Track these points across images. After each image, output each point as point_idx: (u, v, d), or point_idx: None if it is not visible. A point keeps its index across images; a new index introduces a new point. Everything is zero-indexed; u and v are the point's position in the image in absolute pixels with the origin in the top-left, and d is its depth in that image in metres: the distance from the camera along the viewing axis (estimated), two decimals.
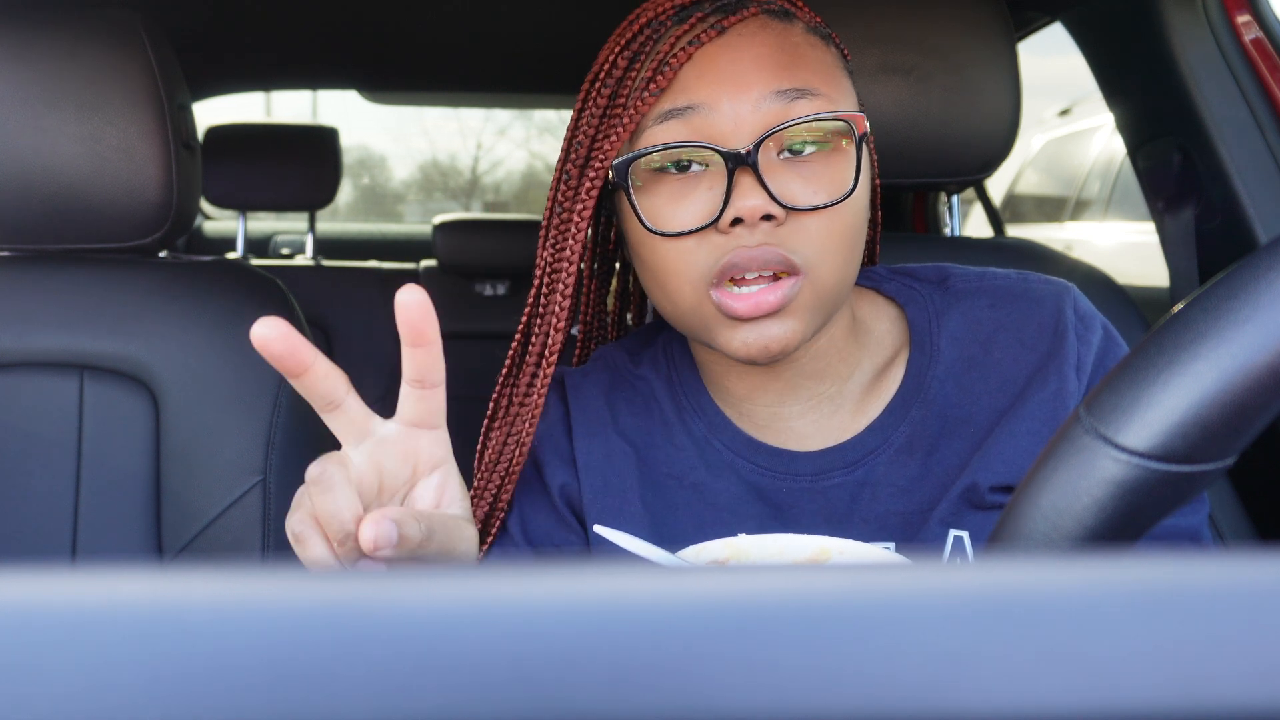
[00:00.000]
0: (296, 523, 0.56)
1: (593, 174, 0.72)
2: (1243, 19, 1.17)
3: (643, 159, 0.69)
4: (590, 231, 0.82)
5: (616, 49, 0.73)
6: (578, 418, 0.79)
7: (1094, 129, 4.32)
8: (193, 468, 1.07)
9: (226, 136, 2.31)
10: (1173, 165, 1.23)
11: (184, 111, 1.14)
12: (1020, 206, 4.98)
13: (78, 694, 0.20)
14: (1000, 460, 0.71)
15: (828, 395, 0.76)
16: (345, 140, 2.51)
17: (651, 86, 0.69)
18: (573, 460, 0.78)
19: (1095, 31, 1.34)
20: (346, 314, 2.20)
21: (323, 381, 0.56)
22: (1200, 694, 0.21)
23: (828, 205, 0.67)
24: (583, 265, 0.82)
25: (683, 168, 0.68)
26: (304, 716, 0.20)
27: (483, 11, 1.74)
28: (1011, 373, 0.74)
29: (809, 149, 0.68)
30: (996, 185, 4.68)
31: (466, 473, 0.68)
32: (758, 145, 0.66)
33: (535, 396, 0.76)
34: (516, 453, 0.76)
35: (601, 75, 0.73)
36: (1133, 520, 0.37)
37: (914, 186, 1.17)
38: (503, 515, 0.78)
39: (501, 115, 13.74)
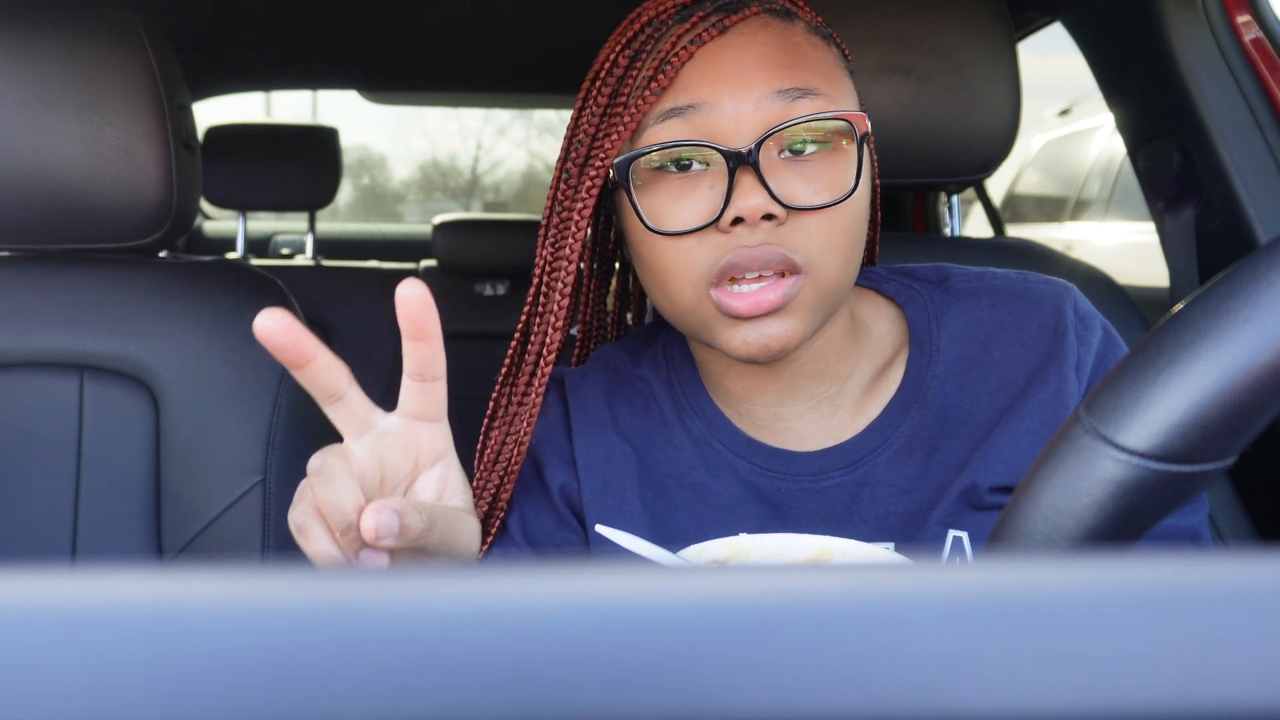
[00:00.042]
0: (299, 514, 0.56)
1: (593, 173, 0.72)
2: (1243, 19, 1.17)
3: (643, 158, 0.69)
4: (590, 231, 0.82)
5: (617, 48, 0.73)
6: (577, 418, 0.79)
7: (1094, 129, 4.32)
8: (193, 468, 1.07)
9: (226, 136, 2.31)
10: (1173, 165, 1.23)
11: (184, 111, 1.14)
12: (1020, 206, 4.98)
13: (78, 694, 0.20)
14: (1000, 460, 0.71)
15: (827, 395, 0.76)
16: (345, 140, 2.51)
17: (653, 85, 0.69)
18: (572, 460, 0.78)
19: (1095, 31, 1.34)
20: (346, 314, 2.20)
21: (325, 374, 0.56)
22: (1200, 694, 0.21)
23: (828, 205, 0.67)
24: (582, 265, 0.82)
25: (683, 167, 0.68)
26: (304, 716, 0.20)
27: (483, 11, 1.74)
28: (1011, 373, 0.74)
29: (810, 148, 0.68)
30: (996, 185, 4.68)
31: (467, 472, 0.68)
32: (759, 145, 0.66)
33: (534, 396, 0.76)
34: (516, 452, 0.77)
35: (602, 74, 0.73)
36: (1133, 520, 0.37)
37: (914, 186, 1.17)
38: (502, 514, 0.78)
39: (501, 115, 13.74)
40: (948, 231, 1.47)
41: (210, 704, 0.20)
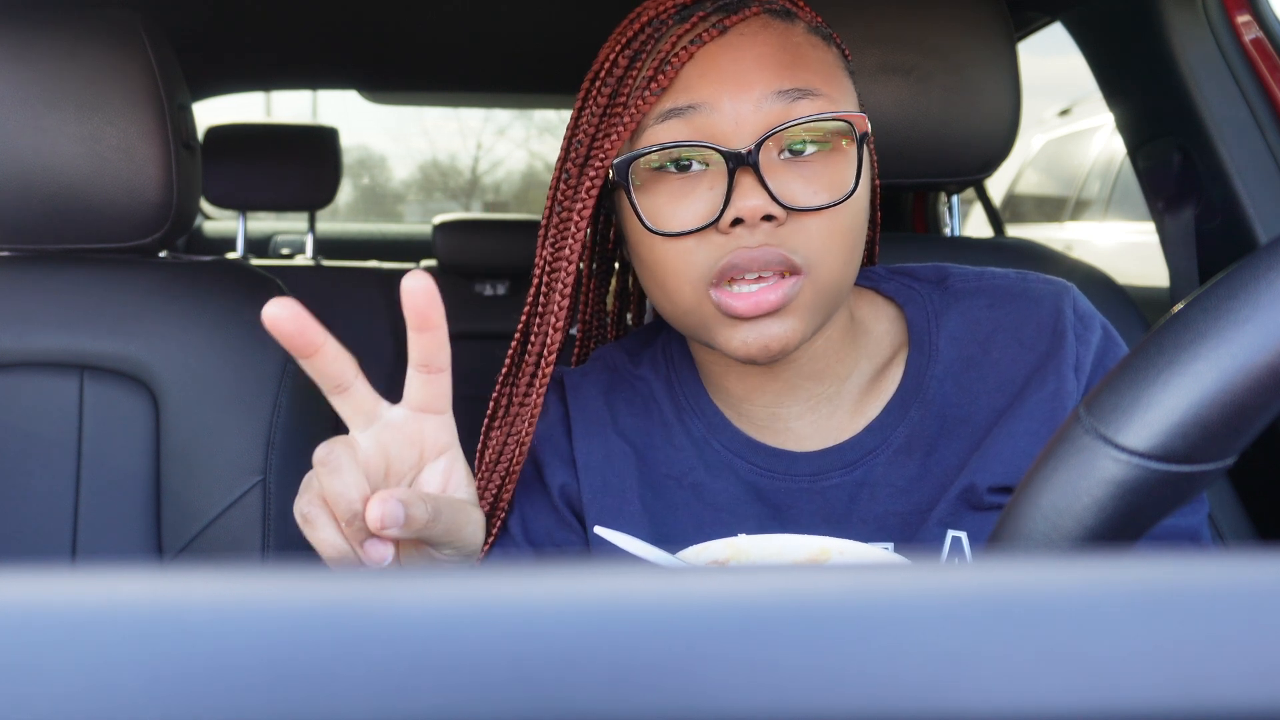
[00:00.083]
0: (305, 504, 0.57)
1: (592, 173, 0.72)
2: (1243, 19, 1.17)
3: (643, 158, 0.69)
4: (590, 231, 0.82)
5: (617, 48, 0.73)
6: (577, 418, 0.79)
7: (1094, 129, 4.32)
8: (193, 468, 1.07)
9: (226, 136, 2.31)
10: (1173, 165, 1.23)
11: (184, 111, 1.14)
12: (1020, 206, 4.98)
13: (78, 694, 0.20)
14: (998, 461, 0.71)
15: (826, 396, 0.76)
16: (345, 140, 2.52)
17: (653, 85, 0.69)
18: (572, 460, 0.78)
19: (1095, 31, 1.34)
20: (346, 314, 2.20)
21: (332, 364, 0.57)
22: (1200, 694, 0.21)
23: (828, 206, 0.67)
24: (582, 265, 0.82)
25: (683, 167, 0.68)
26: (304, 716, 0.20)
27: (483, 11, 1.74)
28: (1010, 372, 0.74)
29: (810, 149, 0.68)
30: (996, 185, 4.68)
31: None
32: (759, 145, 0.66)
33: (535, 396, 0.76)
34: (517, 452, 0.77)
35: (602, 74, 0.73)
36: (1133, 520, 0.37)
37: (914, 186, 1.17)
38: (503, 515, 0.78)
39: (501, 115, 13.74)
40: (948, 231, 1.47)
41: (210, 704, 0.20)
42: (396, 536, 0.55)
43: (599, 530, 0.66)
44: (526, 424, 0.76)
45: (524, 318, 0.79)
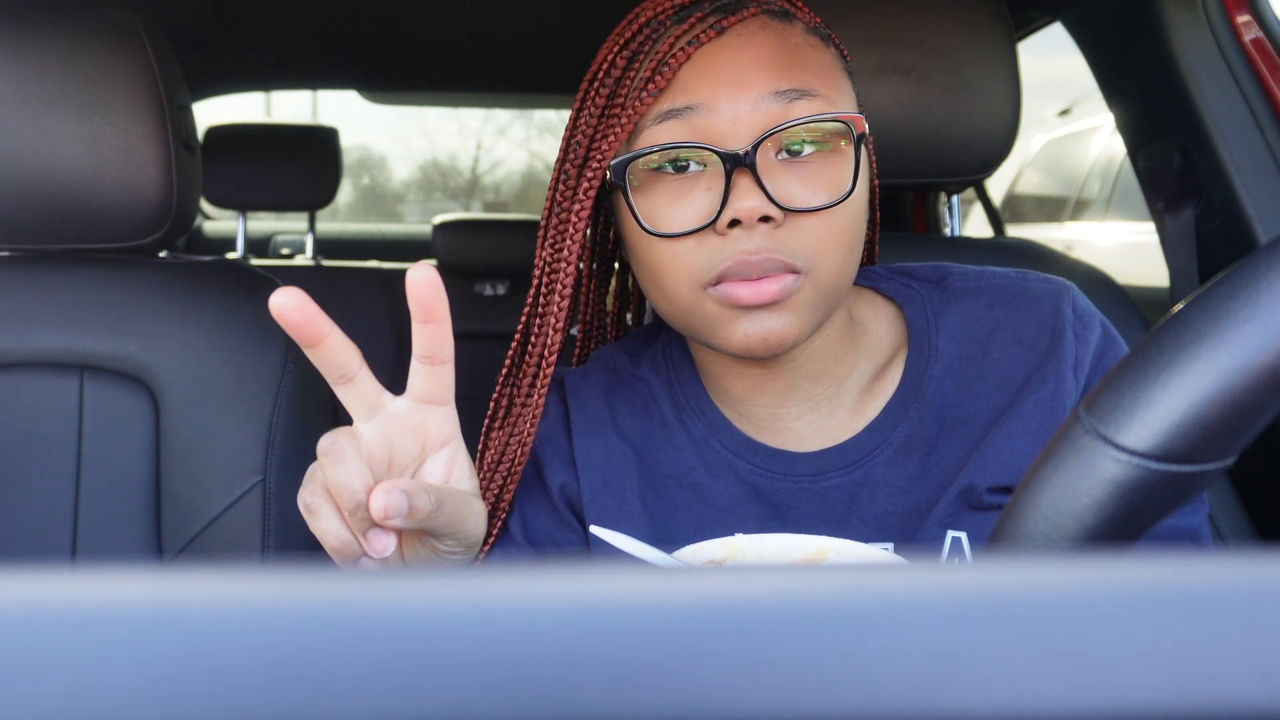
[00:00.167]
0: (308, 494, 0.57)
1: (590, 174, 0.72)
2: (1243, 19, 1.17)
3: (641, 159, 0.69)
4: (589, 232, 0.82)
5: (615, 48, 0.72)
6: (577, 418, 0.79)
7: (1094, 129, 4.32)
8: (193, 468, 1.07)
9: (226, 136, 2.31)
10: (1173, 165, 1.23)
11: (184, 111, 1.14)
12: (1020, 206, 4.98)
13: (78, 694, 0.20)
14: (997, 461, 0.71)
15: (826, 396, 0.76)
16: (345, 140, 2.52)
17: (650, 86, 0.69)
18: (572, 461, 0.78)
19: (1095, 31, 1.34)
20: (346, 314, 2.20)
21: (337, 354, 0.57)
22: (1200, 694, 0.21)
23: (826, 206, 0.67)
24: (581, 265, 0.82)
25: (681, 168, 0.68)
26: (304, 716, 0.20)
27: (483, 11, 1.74)
28: (1010, 372, 0.74)
29: (808, 150, 0.68)
30: (996, 185, 4.68)
31: None
32: (756, 146, 0.65)
33: (536, 397, 0.76)
34: (519, 453, 0.77)
35: (600, 75, 0.73)
36: (1133, 520, 0.37)
37: (914, 186, 1.17)
38: (504, 516, 0.78)
39: (501, 115, 13.74)
40: (948, 231, 1.47)
41: (210, 704, 0.20)
42: (400, 527, 0.56)
43: (595, 530, 0.66)
44: (528, 425, 0.76)
45: (524, 318, 0.79)
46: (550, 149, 13.01)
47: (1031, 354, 0.74)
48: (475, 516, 0.62)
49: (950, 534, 0.71)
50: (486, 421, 0.81)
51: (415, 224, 4.94)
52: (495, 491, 0.78)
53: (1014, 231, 3.99)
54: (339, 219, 7.77)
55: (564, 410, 0.80)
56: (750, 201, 0.65)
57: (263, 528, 1.06)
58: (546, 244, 0.77)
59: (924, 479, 0.73)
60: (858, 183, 0.69)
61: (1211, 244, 1.21)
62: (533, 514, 0.79)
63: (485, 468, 0.79)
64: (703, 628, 0.22)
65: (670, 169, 0.68)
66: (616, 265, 0.87)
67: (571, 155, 0.74)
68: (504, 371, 0.80)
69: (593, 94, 0.73)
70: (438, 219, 2.49)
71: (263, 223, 3.65)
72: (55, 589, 0.22)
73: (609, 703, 0.21)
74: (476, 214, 4.28)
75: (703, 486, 0.76)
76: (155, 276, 1.12)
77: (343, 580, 0.23)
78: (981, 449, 0.72)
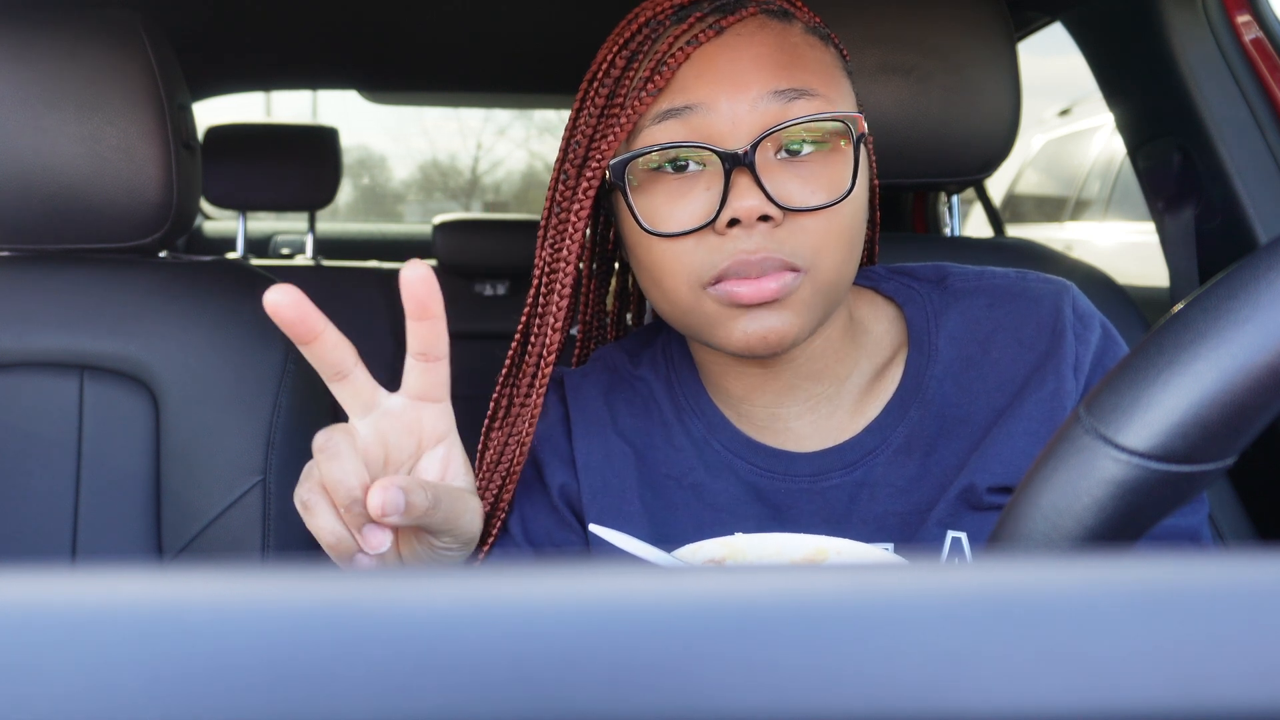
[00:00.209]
0: (304, 491, 0.57)
1: (590, 174, 0.72)
2: (1243, 19, 1.17)
3: (640, 159, 0.69)
4: (589, 232, 0.82)
5: (615, 48, 0.73)
6: (577, 418, 0.79)
7: (1094, 129, 4.32)
8: (193, 468, 1.07)
9: (226, 136, 2.31)
10: (1173, 165, 1.23)
11: (184, 111, 1.14)
12: (1020, 206, 4.98)
13: (78, 694, 0.20)
14: (997, 461, 0.71)
15: (826, 396, 0.76)
16: (345, 140, 2.52)
17: (649, 86, 0.69)
18: (572, 460, 0.78)
19: (1095, 31, 1.34)
20: (346, 314, 2.20)
21: (332, 351, 0.57)
22: (1200, 694, 0.21)
23: (825, 206, 0.67)
24: (581, 265, 0.82)
25: (680, 168, 0.68)
26: (304, 716, 0.20)
27: (483, 11, 1.74)
28: (1010, 372, 0.74)
29: (807, 149, 0.68)
30: (996, 185, 4.68)
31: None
32: (755, 145, 0.66)
33: (535, 397, 0.76)
34: (517, 453, 0.77)
35: (599, 75, 0.73)
36: (1133, 520, 0.37)
37: (914, 186, 1.17)
38: (504, 516, 0.78)
39: (501, 115, 13.74)
40: (948, 231, 1.47)
41: (210, 704, 0.20)
42: (397, 524, 0.56)
43: (595, 528, 0.66)
44: (527, 424, 0.76)
45: (524, 318, 0.79)
46: (550, 149, 13.01)
47: (1031, 354, 0.74)
48: (472, 513, 0.62)
49: (950, 534, 0.71)
50: (486, 421, 0.81)
51: (415, 224, 4.95)
52: (494, 491, 0.78)
53: (1014, 231, 3.99)
54: (339, 219, 7.77)
55: (564, 410, 0.80)
56: (749, 201, 0.65)
57: (263, 528, 1.06)
58: (546, 244, 0.77)
59: (924, 479, 0.73)
60: (857, 182, 0.69)
61: (1211, 244, 1.21)
62: (532, 514, 0.79)
63: (484, 468, 0.79)
64: (703, 628, 0.22)
65: (669, 169, 0.68)
66: (616, 265, 0.87)
67: (571, 155, 0.74)
68: (504, 371, 0.80)
69: (592, 94, 0.73)
70: (438, 219, 2.49)
71: (263, 223, 3.64)
72: (55, 589, 0.22)
73: (609, 703, 0.21)
74: (476, 214, 4.28)
75: (702, 486, 0.76)
76: (155, 276, 1.12)
77: (343, 580, 0.23)
78: (982, 449, 0.72)
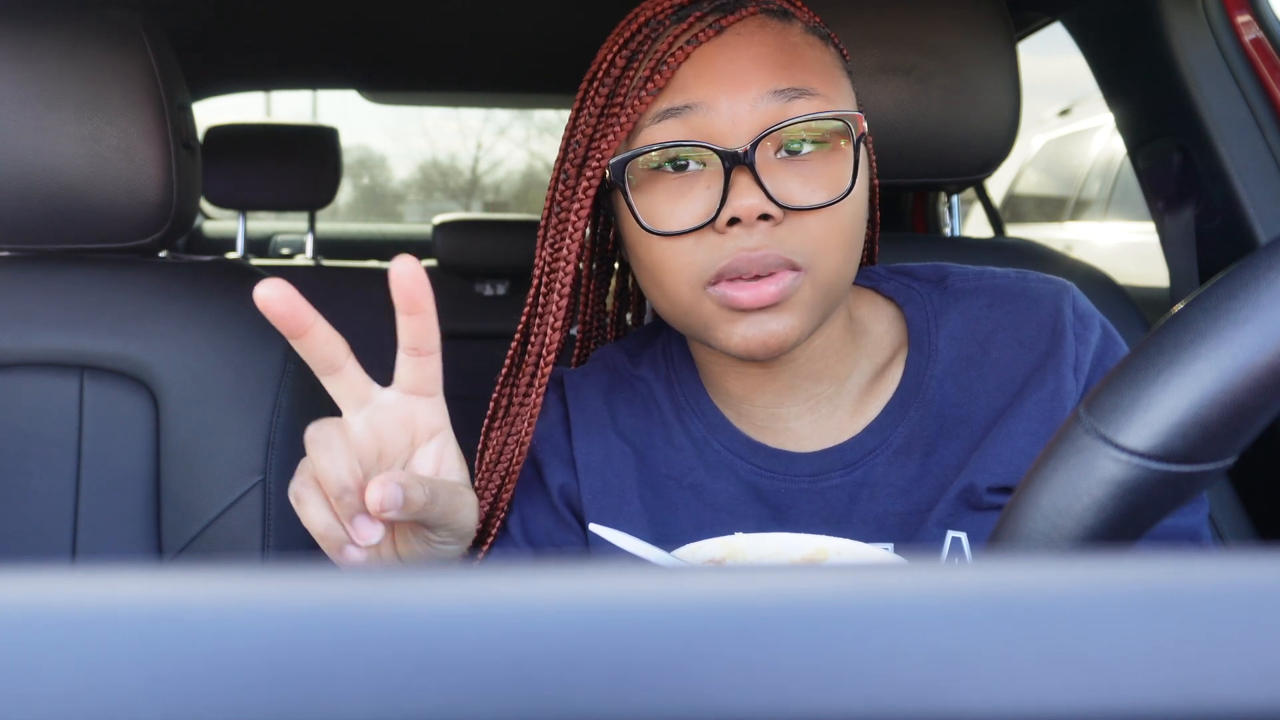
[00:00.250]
0: (297, 484, 0.58)
1: (590, 173, 0.72)
2: (1243, 19, 1.17)
3: (640, 158, 0.69)
4: (589, 231, 0.82)
5: (614, 48, 0.73)
6: (577, 418, 0.79)
7: (1094, 129, 4.32)
8: (193, 468, 1.07)
9: (226, 136, 2.31)
10: (1173, 165, 1.23)
11: (184, 111, 1.14)
12: (1020, 206, 4.99)
13: (78, 694, 0.20)
14: (997, 461, 0.71)
15: (826, 396, 0.76)
16: (345, 140, 2.51)
17: (649, 85, 0.69)
18: (572, 460, 0.78)
19: (1095, 31, 1.34)
20: (346, 314, 2.20)
21: (323, 345, 0.57)
22: (1200, 694, 0.21)
23: (825, 205, 0.67)
24: (581, 265, 0.82)
25: (680, 167, 0.68)
26: (304, 716, 0.20)
27: (483, 11, 1.74)
28: (1010, 372, 0.74)
29: (807, 148, 0.68)
30: (996, 185, 4.68)
31: (469, 472, 0.68)
32: (755, 145, 0.66)
33: (534, 396, 0.76)
34: (517, 453, 0.77)
35: (599, 74, 0.73)
36: (1133, 520, 0.37)
37: (914, 186, 1.17)
38: (503, 515, 0.78)
39: (501, 115, 13.74)
40: (948, 231, 1.47)
41: (210, 704, 0.20)
42: (395, 519, 0.56)
43: (595, 528, 0.66)
44: (526, 424, 0.76)
45: (524, 318, 0.79)
46: (550, 149, 13.01)
47: (1031, 354, 0.74)
48: (468, 507, 0.63)
49: (950, 534, 0.71)
50: (486, 421, 0.81)
51: (415, 224, 4.94)
52: (494, 491, 0.78)
53: (1014, 231, 3.99)
54: (339, 219, 7.77)
55: (563, 410, 0.80)
56: (749, 200, 0.65)
57: (263, 528, 1.06)
58: (546, 244, 0.77)
59: (924, 479, 0.73)
60: (857, 181, 0.69)
61: (1211, 244, 1.21)
62: (532, 514, 0.79)
63: (484, 467, 0.79)
64: (703, 628, 0.22)
65: (669, 168, 0.68)
66: (616, 265, 0.87)
67: (571, 155, 0.74)
68: (503, 371, 0.80)
69: (592, 94, 0.73)
70: (438, 219, 2.49)
71: (263, 223, 3.64)
72: (55, 589, 0.22)
73: (609, 703, 0.21)
74: (476, 214, 4.28)
75: (702, 486, 0.76)
76: (155, 276, 1.12)
77: (343, 580, 0.23)
78: (981, 449, 0.72)
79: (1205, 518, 0.73)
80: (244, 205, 2.38)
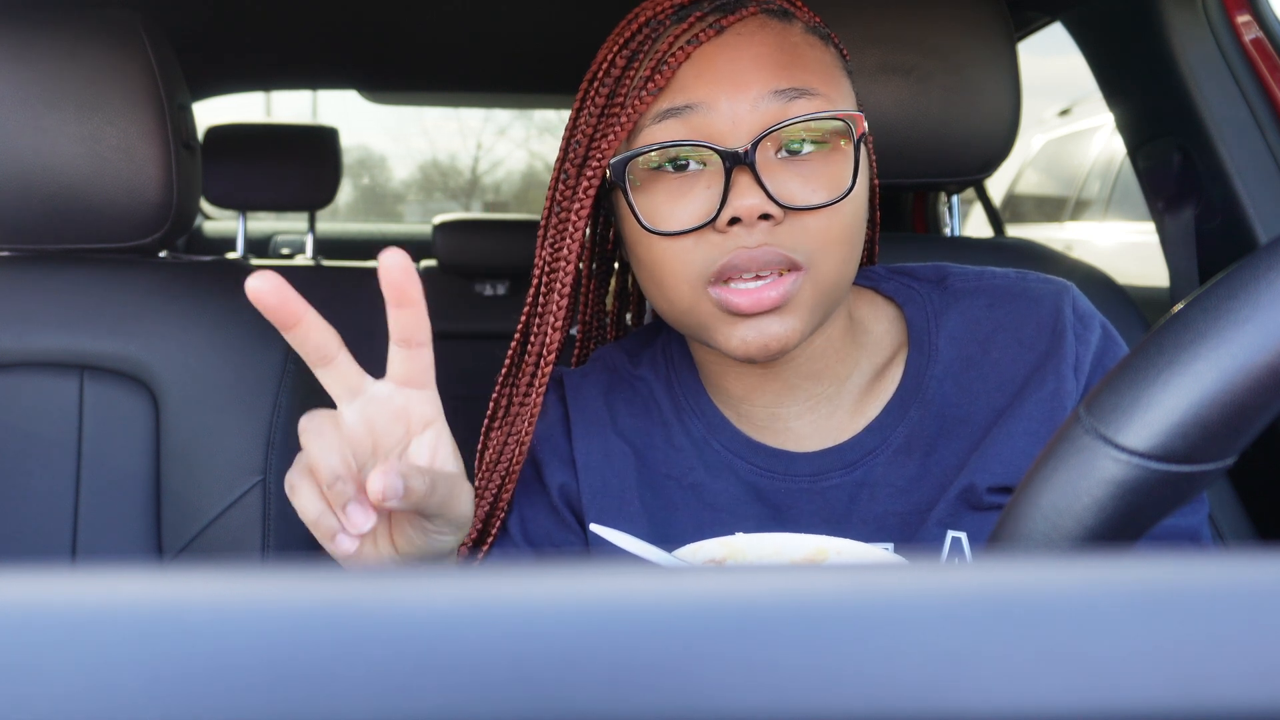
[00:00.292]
0: (292, 474, 0.58)
1: (590, 173, 0.72)
2: (1243, 19, 1.17)
3: (640, 158, 0.69)
4: (589, 231, 0.82)
5: (615, 48, 0.73)
6: (576, 418, 0.79)
7: (1094, 129, 4.32)
8: (193, 468, 1.07)
9: (226, 136, 2.31)
10: (1173, 165, 1.23)
11: (184, 111, 1.14)
12: (1020, 206, 4.99)
13: (78, 694, 0.20)
14: (997, 461, 0.71)
15: (826, 396, 0.76)
16: (345, 140, 2.51)
17: (650, 85, 0.69)
18: (571, 460, 0.78)
19: (1095, 31, 1.34)
20: (346, 314, 2.20)
21: (315, 336, 0.57)
22: (1200, 694, 0.21)
23: (825, 205, 0.67)
24: (581, 265, 0.82)
25: (680, 167, 0.68)
26: (304, 716, 0.20)
27: (483, 11, 1.74)
28: (1010, 372, 0.74)
29: (807, 148, 0.68)
30: (996, 185, 4.68)
31: (467, 467, 0.68)
32: (755, 144, 0.66)
33: (534, 396, 0.76)
34: (517, 452, 0.77)
35: (600, 74, 0.73)
36: (1133, 520, 0.37)
37: (914, 186, 1.17)
38: (503, 515, 0.78)
39: (501, 115, 13.75)
40: (948, 231, 1.47)
41: (210, 704, 0.20)
42: (395, 508, 0.56)
43: (595, 528, 0.66)
44: (526, 424, 0.76)
45: (523, 318, 0.79)
46: (550, 149, 13.01)
47: (1032, 354, 0.74)
48: (465, 496, 0.63)
49: (950, 534, 0.71)
50: (485, 421, 0.81)
51: (415, 224, 4.95)
52: (493, 491, 0.78)
53: (1014, 231, 3.99)
54: (339, 219, 7.77)
55: (563, 410, 0.80)
56: (750, 199, 0.65)
57: (263, 528, 1.06)
58: (546, 244, 0.77)
59: (924, 479, 0.73)
60: (857, 181, 0.69)
61: (1211, 244, 1.21)
62: (532, 514, 0.79)
63: (484, 467, 0.79)
64: (703, 628, 0.22)
65: (670, 168, 0.68)
66: (616, 265, 0.87)
67: (571, 155, 0.74)
68: (503, 371, 0.80)
69: (592, 93, 0.73)
70: (438, 219, 2.49)
71: (263, 223, 3.65)
72: (55, 589, 0.22)
73: (609, 703, 0.21)
74: (476, 214, 4.27)
75: (702, 486, 0.76)
76: (155, 276, 1.12)
77: (343, 580, 0.23)
78: (982, 449, 0.72)
79: (1205, 518, 0.73)
80: (244, 205, 2.38)
